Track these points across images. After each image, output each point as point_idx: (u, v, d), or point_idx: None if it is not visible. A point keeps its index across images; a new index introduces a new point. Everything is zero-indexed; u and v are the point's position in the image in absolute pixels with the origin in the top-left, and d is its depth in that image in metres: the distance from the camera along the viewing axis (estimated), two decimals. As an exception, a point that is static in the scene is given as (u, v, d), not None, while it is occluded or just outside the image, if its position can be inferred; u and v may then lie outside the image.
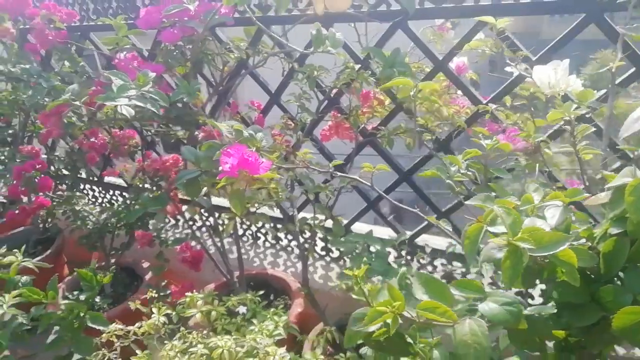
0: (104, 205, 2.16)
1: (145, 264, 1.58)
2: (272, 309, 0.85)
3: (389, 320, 0.44)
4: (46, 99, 1.44)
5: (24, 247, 1.09)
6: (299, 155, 1.19)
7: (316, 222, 1.10)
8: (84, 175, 1.99)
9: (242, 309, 0.81)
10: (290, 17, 1.24)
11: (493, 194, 0.59)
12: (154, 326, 0.77)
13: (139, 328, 0.78)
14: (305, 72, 1.17)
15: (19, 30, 1.58)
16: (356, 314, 0.50)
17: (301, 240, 1.42)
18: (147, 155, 1.61)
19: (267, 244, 1.71)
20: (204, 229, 1.81)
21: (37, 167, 1.47)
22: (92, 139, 1.45)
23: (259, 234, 1.72)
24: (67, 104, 1.12)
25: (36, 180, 1.46)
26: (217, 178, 0.76)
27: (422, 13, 0.99)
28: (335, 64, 1.22)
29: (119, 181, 2.05)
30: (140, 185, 1.59)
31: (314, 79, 1.19)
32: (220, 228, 1.40)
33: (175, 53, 1.30)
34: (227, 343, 0.65)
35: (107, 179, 2.08)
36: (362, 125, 1.26)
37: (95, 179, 2.06)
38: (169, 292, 1.23)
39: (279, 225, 1.61)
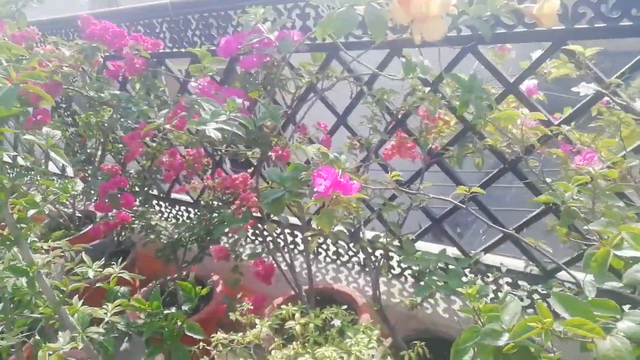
0: (169, 219, 2.29)
1: (215, 277, 1.67)
2: (363, 324, 0.90)
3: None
4: (129, 121, 1.57)
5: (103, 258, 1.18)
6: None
7: (388, 240, 1.15)
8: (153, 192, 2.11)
9: (336, 322, 0.86)
10: (360, 43, 1.31)
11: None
12: (258, 336, 0.83)
13: (243, 337, 0.84)
14: (375, 96, 1.23)
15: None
16: (486, 330, 0.53)
17: (365, 256, 1.47)
18: (218, 174, 1.70)
19: (328, 259, 1.77)
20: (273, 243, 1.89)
21: (120, 185, 1.59)
22: (171, 159, 1.56)
23: (320, 249, 1.77)
24: (156, 127, 1.22)
25: (119, 196, 1.58)
26: (313, 198, 0.82)
27: (496, 38, 1.03)
28: (403, 86, 1.28)
29: (185, 197, 2.17)
30: (210, 202, 1.68)
31: (383, 102, 1.24)
32: (281, 242, 1.47)
33: (251, 78, 1.39)
34: (333, 354, 0.70)
35: (173, 194, 2.20)
36: (430, 146, 1.30)
37: (163, 195, 2.18)
38: (244, 304, 1.30)
39: (340, 242, 1.66)
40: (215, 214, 1.63)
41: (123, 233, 1.95)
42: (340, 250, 1.71)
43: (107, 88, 1.59)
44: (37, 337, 0.98)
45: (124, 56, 1.39)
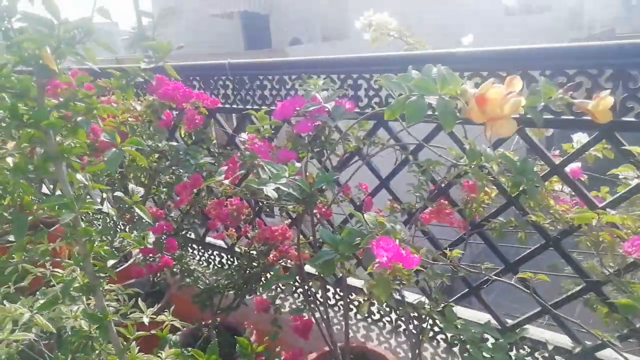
0: (201, 262, 2.34)
1: (250, 326, 1.70)
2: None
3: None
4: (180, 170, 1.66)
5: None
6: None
7: (432, 306, 1.18)
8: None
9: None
10: (408, 115, 1.39)
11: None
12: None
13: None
14: (422, 166, 1.30)
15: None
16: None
17: (406, 320, 1.49)
18: (259, 225, 1.77)
19: (359, 316, 1.79)
20: (312, 298, 1.92)
21: (165, 229, 1.67)
22: (218, 209, 1.63)
23: (351, 306, 1.80)
24: (215, 182, 1.30)
25: (163, 241, 1.65)
26: (374, 267, 0.88)
27: (544, 123, 1.10)
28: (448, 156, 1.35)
29: (219, 242, 2.23)
30: (248, 252, 1.74)
31: (429, 172, 1.31)
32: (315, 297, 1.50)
33: (301, 140, 1.48)
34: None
35: (208, 238, 2.27)
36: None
37: (198, 238, 2.25)
38: (282, 358, 1.33)
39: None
40: (255, 264, 1.68)
41: (159, 274, 2.01)
42: (372, 309, 1.73)
43: (161, 137, 1.70)
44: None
45: (186, 112, 1.49)
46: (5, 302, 1.22)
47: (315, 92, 1.34)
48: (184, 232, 1.98)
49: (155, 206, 2.10)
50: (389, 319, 1.70)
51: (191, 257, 1.97)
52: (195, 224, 2.04)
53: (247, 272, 1.69)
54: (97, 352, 1.04)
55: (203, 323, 1.74)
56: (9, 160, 1.06)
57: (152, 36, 15.21)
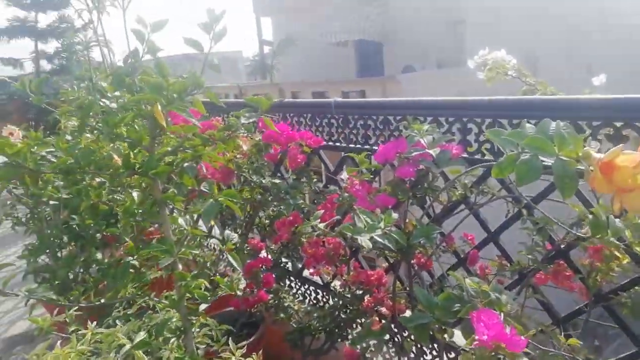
0: (296, 295, 2.35)
1: (338, 373, 1.64)
2: None
3: None
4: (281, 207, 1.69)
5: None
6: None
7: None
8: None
9: None
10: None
11: None
12: None
13: None
14: (538, 223, 1.16)
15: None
16: None
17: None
18: (355, 267, 1.72)
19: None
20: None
21: (264, 264, 1.70)
22: (315, 249, 1.62)
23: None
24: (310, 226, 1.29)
25: (261, 275, 1.68)
26: (473, 345, 0.78)
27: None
28: (569, 215, 1.19)
29: (315, 278, 2.22)
30: (342, 293, 1.70)
31: (546, 230, 1.16)
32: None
33: (402, 185, 1.42)
34: None
35: (305, 273, 2.28)
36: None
37: (295, 272, 2.26)
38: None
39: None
40: (348, 308, 1.64)
41: (256, 306, 2.05)
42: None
43: (266, 171, 1.76)
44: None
45: (289, 151, 1.52)
46: (117, 322, 1.33)
47: (419, 137, 1.27)
48: (282, 265, 2.01)
49: (259, 235, 2.17)
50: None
51: (287, 291, 1.98)
52: (293, 257, 2.05)
53: (340, 315, 1.65)
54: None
55: (293, 363, 1.73)
56: (135, 194, 1.15)
57: (272, 63, 16.26)
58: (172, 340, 1.13)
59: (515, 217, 1.32)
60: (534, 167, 0.74)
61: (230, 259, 0.89)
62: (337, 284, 2.11)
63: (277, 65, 16.21)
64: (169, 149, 0.84)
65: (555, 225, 1.19)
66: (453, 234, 1.46)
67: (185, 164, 0.89)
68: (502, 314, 0.86)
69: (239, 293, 1.01)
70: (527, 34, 10.24)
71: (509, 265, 1.35)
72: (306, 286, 2.29)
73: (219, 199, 0.81)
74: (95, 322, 1.23)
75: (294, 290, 2.38)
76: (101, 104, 0.99)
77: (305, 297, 2.31)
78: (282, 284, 1.99)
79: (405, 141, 1.36)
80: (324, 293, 2.20)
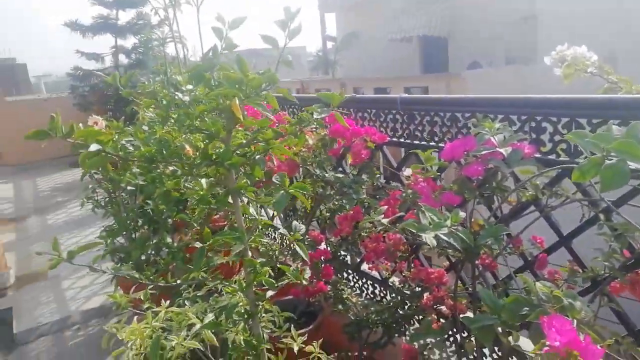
0: (354, 288, 2.37)
1: (394, 367, 1.64)
2: None
3: None
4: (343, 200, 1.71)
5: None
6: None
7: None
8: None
9: None
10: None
11: None
12: None
13: None
14: (616, 229, 1.10)
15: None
16: None
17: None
18: (415, 264, 1.71)
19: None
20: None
21: (324, 256, 1.73)
22: (376, 244, 1.62)
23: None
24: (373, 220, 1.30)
25: (321, 266, 1.71)
26: (543, 352, 0.76)
27: None
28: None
29: (373, 273, 2.23)
30: (401, 289, 1.70)
31: (625, 237, 1.10)
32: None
33: (469, 184, 1.39)
34: None
35: (363, 267, 2.29)
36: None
37: (353, 265, 2.28)
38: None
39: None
40: (407, 304, 1.63)
41: (315, 296, 2.09)
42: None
43: (328, 164, 1.78)
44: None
45: (353, 146, 1.53)
46: (186, 302, 1.41)
47: (489, 136, 1.24)
48: (340, 258, 2.03)
49: (319, 227, 2.21)
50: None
51: (345, 284, 2.00)
52: (352, 251, 2.07)
53: (399, 311, 1.65)
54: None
55: (349, 354, 1.75)
56: (204, 182, 1.20)
57: (335, 59, 16.31)
58: (239, 323, 1.19)
59: (591, 221, 1.25)
60: (621, 172, 0.70)
61: (297, 248, 0.92)
62: (395, 280, 2.10)
63: (339, 61, 16.25)
64: (244, 141, 0.88)
65: (637, 232, 1.13)
66: (521, 236, 1.41)
67: (257, 157, 0.93)
68: (575, 321, 0.83)
69: (304, 282, 1.04)
70: (605, 31, 9.55)
71: (581, 271, 1.29)
72: (363, 280, 2.30)
73: (290, 190, 0.84)
74: (167, 302, 1.31)
75: (352, 284, 2.40)
76: (175, 97, 1.05)
77: (362, 291, 2.32)
78: (340, 277, 2.01)
79: (474, 139, 1.33)
80: (382, 288, 2.20)
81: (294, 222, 0.99)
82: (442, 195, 1.32)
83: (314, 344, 1.17)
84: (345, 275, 2.45)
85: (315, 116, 0.91)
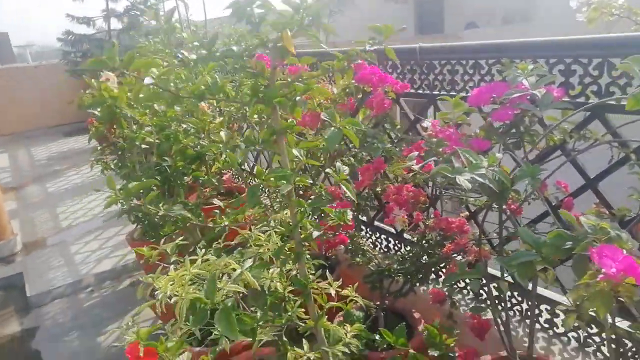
0: (367, 244, 2.40)
1: (416, 314, 1.68)
2: None
3: None
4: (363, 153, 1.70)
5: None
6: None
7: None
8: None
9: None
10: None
11: None
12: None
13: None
14: (649, 167, 1.10)
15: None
16: None
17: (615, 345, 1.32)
18: (435, 214, 1.72)
19: (537, 326, 1.64)
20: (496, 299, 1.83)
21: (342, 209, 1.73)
22: (398, 195, 1.63)
23: (528, 313, 1.65)
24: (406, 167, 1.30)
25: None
26: (599, 279, 0.77)
27: None
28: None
29: (387, 227, 2.25)
30: (421, 239, 1.72)
31: (659, 175, 1.11)
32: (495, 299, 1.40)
33: (495, 130, 1.38)
34: None
35: (376, 223, 2.31)
36: None
37: (368, 221, 2.30)
38: (456, 354, 1.28)
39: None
40: (430, 253, 1.66)
41: (331, 250, 2.11)
42: (556, 320, 1.57)
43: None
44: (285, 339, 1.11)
45: (375, 96, 1.51)
46: (212, 256, 1.41)
47: (523, 78, 1.23)
48: (356, 213, 2.04)
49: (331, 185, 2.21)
50: (575, 335, 1.52)
51: (362, 238, 2.02)
52: (368, 206, 2.08)
53: (420, 260, 1.67)
54: (288, 313, 1.12)
55: (371, 304, 1.78)
56: (223, 134, 1.18)
57: (328, 22, 15.94)
58: (272, 270, 1.20)
59: (620, 162, 1.26)
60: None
61: (344, 188, 0.92)
62: (412, 234, 2.13)
63: (332, 24, 15.88)
64: (289, 79, 0.86)
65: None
66: (547, 182, 1.42)
67: (297, 98, 0.91)
68: (624, 251, 0.84)
69: (348, 222, 1.04)
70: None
71: (607, 213, 1.30)
72: (377, 235, 2.33)
73: (342, 126, 0.82)
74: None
75: (365, 239, 2.42)
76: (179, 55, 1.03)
77: (375, 246, 2.35)
78: (356, 231, 2.03)
79: (503, 84, 1.32)
80: (396, 242, 2.23)
81: (337, 164, 0.98)
82: (470, 141, 1.32)
83: (349, 287, 1.18)
84: (358, 232, 2.48)
85: (367, 48, 0.89)
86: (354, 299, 1.16)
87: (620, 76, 1.21)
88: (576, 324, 1.52)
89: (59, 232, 3.68)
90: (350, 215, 1.04)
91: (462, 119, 1.34)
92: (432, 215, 1.75)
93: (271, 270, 1.21)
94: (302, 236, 0.95)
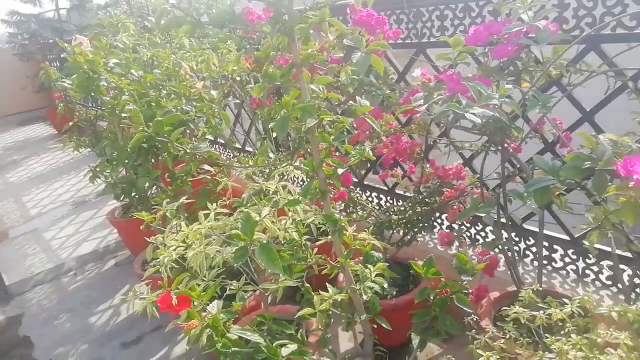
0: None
1: (419, 262, 1.70)
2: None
3: None
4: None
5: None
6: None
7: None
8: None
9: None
10: (631, 35, 1.22)
11: None
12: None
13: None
14: (649, 91, 1.14)
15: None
16: None
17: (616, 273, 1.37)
18: (431, 163, 1.73)
19: (535, 263, 1.69)
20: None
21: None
22: (396, 144, 1.63)
23: (527, 252, 1.71)
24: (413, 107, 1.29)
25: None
26: (632, 185, 0.79)
27: None
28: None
29: (378, 185, 2.26)
30: (417, 189, 1.73)
31: (657, 98, 1.14)
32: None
33: (492, 69, 1.39)
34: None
35: (366, 182, 2.31)
36: None
37: (357, 180, 2.30)
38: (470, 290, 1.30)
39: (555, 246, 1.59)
40: (427, 201, 1.67)
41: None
42: (554, 256, 1.62)
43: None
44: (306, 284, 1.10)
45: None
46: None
47: (523, 11, 1.23)
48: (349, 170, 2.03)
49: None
50: (574, 268, 1.58)
51: (357, 194, 2.02)
52: (359, 165, 2.07)
53: (421, 208, 1.69)
54: (308, 260, 1.11)
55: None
56: (214, 92, 1.12)
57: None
58: (284, 221, 1.18)
59: (616, 92, 1.29)
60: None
61: (369, 121, 0.90)
62: (399, 191, 2.14)
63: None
64: (307, 6, 0.82)
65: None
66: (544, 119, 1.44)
67: (311, 31, 0.87)
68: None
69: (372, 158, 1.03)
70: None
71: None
72: (367, 193, 2.33)
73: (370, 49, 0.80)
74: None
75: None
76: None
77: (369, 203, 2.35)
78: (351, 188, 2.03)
79: (499, 23, 1.32)
80: (387, 198, 2.24)
81: (359, 99, 0.96)
82: (473, 79, 1.32)
83: (365, 230, 1.18)
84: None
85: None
86: (372, 242, 1.16)
87: (614, 4, 1.23)
88: (574, 257, 1.58)
89: (29, 220, 3.51)
90: (369, 150, 1.01)
91: (463, 57, 1.34)
92: (427, 166, 1.76)
93: (283, 222, 1.19)
94: (326, 174, 0.93)
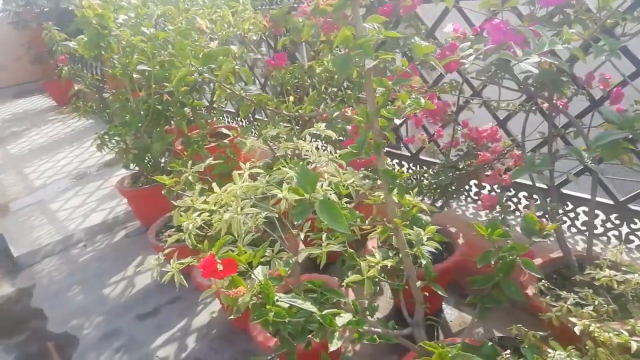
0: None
1: (452, 229, 1.63)
2: None
3: None
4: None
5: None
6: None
7: None
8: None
9: None
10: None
11: None
12: None
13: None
14: None
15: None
16: None
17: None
18: (464, 124, 1.63)
19: (573, 230, 1.62)
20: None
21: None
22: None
23: (564, 218, 1.63)
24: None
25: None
26: None
27: None
28: None
29: (401, 151, 2.17)
30: (447, 152, 1.64)
31: None
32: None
33: (541, 18, 1.28)
34: None
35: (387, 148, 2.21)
36: None
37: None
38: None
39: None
40: (460, 166, 1.59)
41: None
42: (596, 222, 1.54)
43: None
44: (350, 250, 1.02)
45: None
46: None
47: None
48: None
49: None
50: (616, 234, 1.50)
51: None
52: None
53: (455, 172, 1.60)
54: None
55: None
56: (234, 47, 1.01)
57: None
58: (322, 183, 1.09)
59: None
60: None
61: (433, 62, 0.80)
62: (424, 157, 2.05)
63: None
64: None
65: None
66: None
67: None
68: None
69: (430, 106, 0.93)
70: None
71: (662, 99, 1.24)
72: (389, 159, 2.24)
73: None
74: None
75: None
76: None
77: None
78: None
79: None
80: (410, 164, 2.16)
81: (416, 38, 0.86)
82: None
83: (410, 193, 1.09)
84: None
85: None
86: (418, 205, 1.07)
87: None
88: (617, 222, 1.50)
89: (34, 192, 3.42)
90: (423, 100, 0.91)
91: (514, 3, 1.22)
92: (459, 128, 1.66)
93: (319, 185, 1.10)
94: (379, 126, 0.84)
